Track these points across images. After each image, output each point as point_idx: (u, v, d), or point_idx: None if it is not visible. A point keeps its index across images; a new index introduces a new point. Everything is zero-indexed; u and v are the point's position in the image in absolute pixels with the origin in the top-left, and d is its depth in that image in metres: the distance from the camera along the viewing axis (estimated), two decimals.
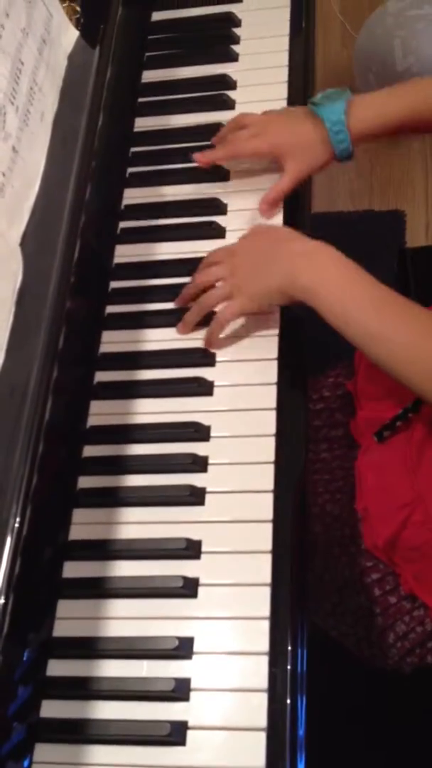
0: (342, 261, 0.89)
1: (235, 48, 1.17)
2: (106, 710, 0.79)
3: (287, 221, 1.02)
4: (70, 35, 0.95)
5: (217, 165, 1.06)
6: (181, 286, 1.00)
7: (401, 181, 2.12)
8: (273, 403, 0.91)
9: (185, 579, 0.82)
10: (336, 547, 1.06)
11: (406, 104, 0.99)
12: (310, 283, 0.88)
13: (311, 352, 0.96)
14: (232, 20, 1.19)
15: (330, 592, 1.07)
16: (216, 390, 0.94)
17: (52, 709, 0.80)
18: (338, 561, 1.06)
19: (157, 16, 1.23)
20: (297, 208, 1.05)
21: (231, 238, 1.02)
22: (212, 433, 0.91)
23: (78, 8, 0.97)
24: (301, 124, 1.01)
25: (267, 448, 0.89)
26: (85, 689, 0.80)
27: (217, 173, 1.07)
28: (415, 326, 0.85)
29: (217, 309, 0.95)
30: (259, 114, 1.05)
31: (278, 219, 1.03)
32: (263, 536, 0.84)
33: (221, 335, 0.95)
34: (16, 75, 0.84)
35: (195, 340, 0.97)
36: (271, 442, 0.89)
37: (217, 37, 1.18)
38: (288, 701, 0.77)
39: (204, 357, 0.95)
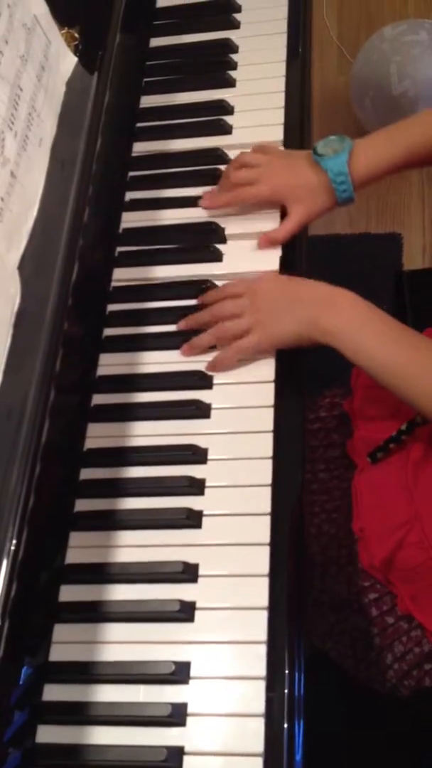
0: (362, 304, 0.93)
1: (233, 74, 1.18)
2: (103, 735, 0.78)
3: (284, 244, 1.03)
4: (68, 62, 0.96)
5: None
6: (179, 309, 1.01)
7: (398, 205, 2.13)
8: (270, 426, 0.92)
9: (182, 603, 0.82)
10: (333, 567, 1.06)
11: (405, 145, 1.01)
12: (332, 326, 0.91)
13: (308, 372, 0.97)
14: (229, 46, 1.20)
15: (327, 612, 1.06)
16: (213, 413, 0.94)
17: (48, 734, 0.79)
18: (335, 581, 1.06)
19: (155, 42, 1.24)
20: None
21: (228, 262, 1.03)
22: (209, 456, 0.91)
23: (76, 35, 0.98)
24: (303, 169, 1.02)
25: (264, 471, 0.89)
26: (81, 714, 0.79)
27: None
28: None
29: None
30: (261, 154, 1.06)
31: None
32: (260, 559, 0.83)
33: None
34: (15, 101, 0.84)
35: (192, 362, 0.97)
36: (268, 465, 0.89)
37: (215, 63, 1.19)
38: (285, 725, 0.76)
39: (201, 380, 0.96)
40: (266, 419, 0.92)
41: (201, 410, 0.93)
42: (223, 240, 1.05)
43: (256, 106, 1.15)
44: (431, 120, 1.02)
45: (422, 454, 1.00)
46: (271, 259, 1.02)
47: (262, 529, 0.85)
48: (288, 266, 1.02)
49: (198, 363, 0.97)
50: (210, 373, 0.96)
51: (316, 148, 1.01)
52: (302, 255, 1.05)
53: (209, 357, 0.97)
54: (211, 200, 1.06)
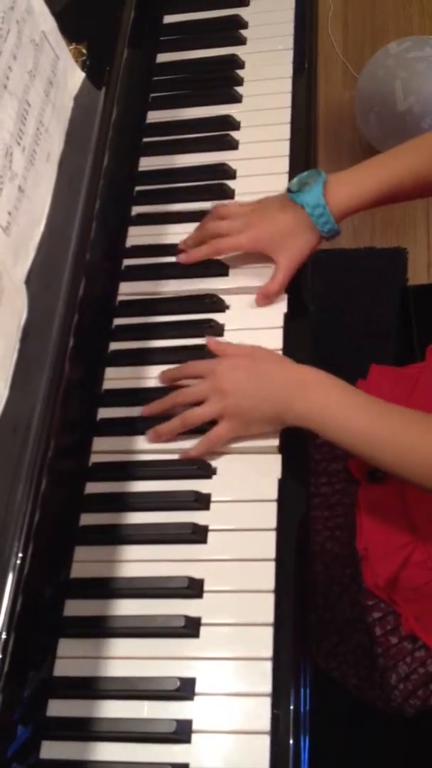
0: (332, 381, 0.90)
1: (239, 89, 1.18)
2: (107, 752, 0.78)
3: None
4: (76, 77, 0.97)
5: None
6: (185, 323, 1.01)
7: (403, 220, 2.13)
8: (276, 441, 0.91)
9: (187, 618, 0.81)
10: (337, 586, 1.06)
11: (381, 179, 1.00)
12: (307, 411, 0.89)
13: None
14: (235, 62, 1.20)
15: (331, 631, 1.06)
16: None
17: (52, 749, 0.79)
18: (339, 600, 1.05)
19: (162, 57, 1.25)
20: None
21: (233, 276, 1.04)
22: (215, 471, 0.91)
23: (84, 50, 0.98)
24: (281, 212, 1.00)
25: (270, 486, 0.89)
26: (85, 730, 0.79)
27: None
28: (416, 429, 0.87)
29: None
30: (237, 206, 1.04)
31: None
32: (266, 575, 0.83)
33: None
34: (23, 116, 0.85)
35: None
36: (274, 480, 0.89)
37: (221, 79, 1.20)
38: (291, 741, 0.76)
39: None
40: (272, 433, 0.92)
41: (207, 424, 0.93)
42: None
43: (262, 121, 1.15)
44: (418, 150, 1.01)
45: None
46: None
47: (267, 545, 0.85)
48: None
49: None
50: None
51: (289, 187, 1.00)
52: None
53: None
54: (188, 255, 1.04)
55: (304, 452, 0.94)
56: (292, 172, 1.09)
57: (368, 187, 1.00)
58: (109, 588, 0.85)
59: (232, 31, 1.23)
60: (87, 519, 0.90)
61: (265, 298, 1.00)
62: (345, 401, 0.90)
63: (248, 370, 0.93)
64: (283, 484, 0.89)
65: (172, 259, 1.06)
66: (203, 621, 0.82)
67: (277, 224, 1.00)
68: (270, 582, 0.83)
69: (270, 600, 0.82)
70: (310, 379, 0.91)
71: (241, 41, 1.23)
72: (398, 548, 1.00)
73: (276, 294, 1.00)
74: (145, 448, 0.94)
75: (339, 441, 0.90)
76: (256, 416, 0.91)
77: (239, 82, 1.19)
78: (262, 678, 0.78)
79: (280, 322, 0.99)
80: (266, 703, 0.77)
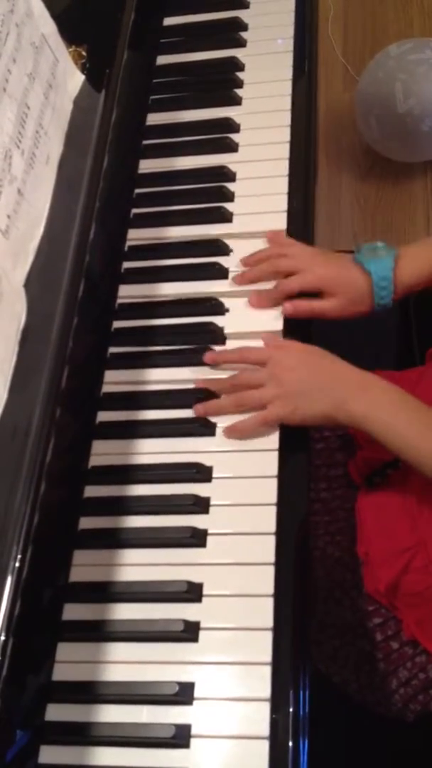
0: (393, 389, 0.91)
1: (239, 92, 1.18)
2: (105, 757, 0.78)
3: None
4: (75, 79, 0.97)
5: (219, 208, 1.07)
6: (184, 326, 1.01)
7: (403, 224, 2.13)
8: (275, 444, 0.91)
9: (186, 623, 0.81)
10: (337, 591, 1.05)
11: None
12: (365, 411, 0.90)
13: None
14: (235, 64, 1.20)
15: (331, 636, 1.06)
16: (218, 430, 0.93)
17: (50, 754, 0.79)
18: (339, 605, 1.05)
19: (162, 60, 1.24)
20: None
21: (232, 278, 1.03)
22: (214, 474, 0.91)
23: (84, 53, 0.98)
24: (347, 268, 0.99)
25: (269, 490, 0.88)
26: (84, 735, 0.79)
27: (221, 216, 1.08)
28: None
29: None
30: (296, 246, 1.03)
31: None
32: (265, 579, 0.83)
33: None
34: (23, 119, 0.85)
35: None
36: (273, 484, 0.89)
37: (221, 81, 1.20)
38: (290, 744, 0.76)
39: (206, 397, 0.95)
40: (272, 437, 0.92)
41: (206, 428, 0.93)
42: (228, 256, 1.05)
43: (262, 123, 1.15)
44: None
45: (424, 479, 0.99)
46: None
47: (267, 549, 0.85)
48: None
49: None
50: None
51: (360, 250, 0.99)
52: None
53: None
54: (259, 301, 1.01)
55: (304, 456, 0.94)
56: (292, 174, 1.09)
57: None
58: (108, 592, 0.85)
59: (232, 33, 1.23)
60: (86, 522, 0.90)
61: (295, 310, 0.99)
62: (403, 408, 0.90)
63: (308, 364, 0.94)
64: (282, 487, 0.88)
65: (171, 261, 1.06)
66: (202, 625, 0.82)
67: (343, 274, 0.99)
68: (269, 586, 0.82)
69: (269, 604, 0.82)
70: (370, 381, 0.92)
71: (241, 44, 1.22)
72: (399, 553, 1.00)
73: (311, 314, 1.00)
74: (144, 451, 0.93)
75: (390, 446, 0.90)
76: (309, 408, 0.91)
77: (239, 84, 1.19)
78: (261, 683, 0.78)
79: (280, 325, 0.99)
80: (265, 708, 0.77)
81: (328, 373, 0.93)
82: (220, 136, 1.14)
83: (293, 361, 0.94)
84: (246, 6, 1.26)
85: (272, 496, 0.88)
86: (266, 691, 0.78)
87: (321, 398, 0.91)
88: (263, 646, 0.80)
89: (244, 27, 1.24)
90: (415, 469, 0.91)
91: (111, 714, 0.79)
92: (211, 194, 1.10)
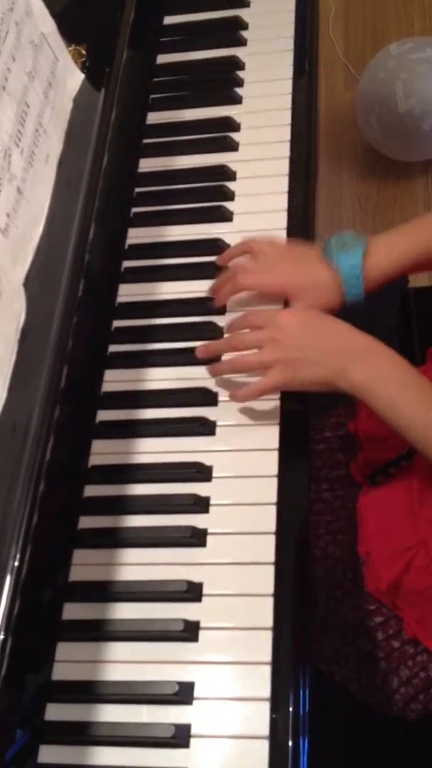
0: (398, 362, 0.88)
1: (239, 91, 1.18)
2: (105, 756, 0.78)
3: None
4: (75, 78, 0.97)
5: (219, 207, 1.07)
6: (185, 325, 1.00)
7: (403, 222, 2.13)
8: (275, 444, 0.91)
9: (186, 622, 0.81)
10: (338, 590, 1.05)
11: (420, 243, 0.97)
12: (365, 380, 0.87)
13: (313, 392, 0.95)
14: (236, 63, 1.20)
15: (333, 635, 1.06)
16: (218, 430, 0.93)
17: (50, 754, 0.78)
18: (341, 604, 1.05)
19: (162, 58, 1.24)
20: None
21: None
22: (214, 474, 0.90)
23: (83, 51, 0.98)
24: (312, 265, 0.97)
25: (269, 489, 0.88)
26: (84, 734, 0.79)
27: (221, 215, 1.08)
28: None
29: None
30: (268, 244, 1.01)
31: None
32: (265, 578, 0.83)
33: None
34: (22, 117, 0.85)
35: (197, 380, 0.97)
36: (273, 483, 0.89)
37: (222, 80, 1.20)
38: (290, 744, 0.76)
39: (206, 396, 0.95)
40: (272, 436, 0.92)
41: (206, 427, 0.93)
42: None
43: (262, 122, 1.15)
44: None
45: (426, 478, 0.99)
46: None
47: (267, 548, 0.85)
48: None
49: (203, 380, 0.97)
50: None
51: (328, 243, 0.97)
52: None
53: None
54: (219, 298, 1.00)
55: (304, 455, 0.93)
56: (293, 173, 1.09)
57: (403, 255, 0.97)
58: (107, 591, 0.85)
59: (232, 32, 1.23)
60: (86, 522, 0.90)
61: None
62: (406, 382, 0.87)
63: (310, 326, 0.91)
64: (282, 487, 0.88)
65: (171, 260, 1.06)
66: (202, 625, 0.82)
67: (305, 274, 0.97)
68: (269, 586, 0.82)
69: (269, 604, 0.81)
70: (376, 350, 0.88)
71: (242, 42, 1.22)
72: (401, 552, 0.99)
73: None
74: (144, 450, 0.93)
75: (389, 420, 0.87)
76: (308, 374, 0.89)
77: (239, 83, 1.19)
78: (261, 682, 0.78)
79: None
80: (265, 708, 0.77)
81: (331, 338, 0.90)
82: (221, 135, 1.14)
83: (292, 324, 0.91)
84: (246, 5, 1.26)
85: (272, 495, 0.88)
86: (266, 691, 0.77)
87: (321, 364, 0.88)
88: (263, 646, 0.79)
89: (245, 26, 1.24)
90: (416, 450, 0.89)
91: (111, 713, 0.79)
92: (212, 193, 1.10)
